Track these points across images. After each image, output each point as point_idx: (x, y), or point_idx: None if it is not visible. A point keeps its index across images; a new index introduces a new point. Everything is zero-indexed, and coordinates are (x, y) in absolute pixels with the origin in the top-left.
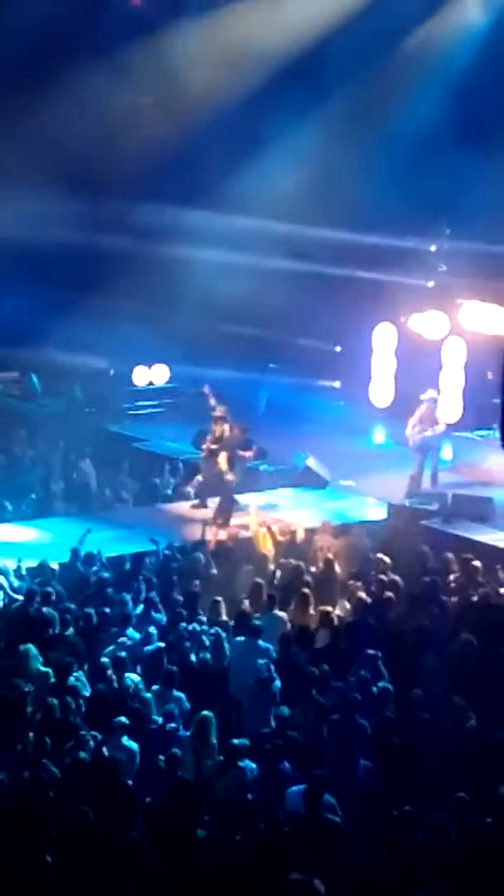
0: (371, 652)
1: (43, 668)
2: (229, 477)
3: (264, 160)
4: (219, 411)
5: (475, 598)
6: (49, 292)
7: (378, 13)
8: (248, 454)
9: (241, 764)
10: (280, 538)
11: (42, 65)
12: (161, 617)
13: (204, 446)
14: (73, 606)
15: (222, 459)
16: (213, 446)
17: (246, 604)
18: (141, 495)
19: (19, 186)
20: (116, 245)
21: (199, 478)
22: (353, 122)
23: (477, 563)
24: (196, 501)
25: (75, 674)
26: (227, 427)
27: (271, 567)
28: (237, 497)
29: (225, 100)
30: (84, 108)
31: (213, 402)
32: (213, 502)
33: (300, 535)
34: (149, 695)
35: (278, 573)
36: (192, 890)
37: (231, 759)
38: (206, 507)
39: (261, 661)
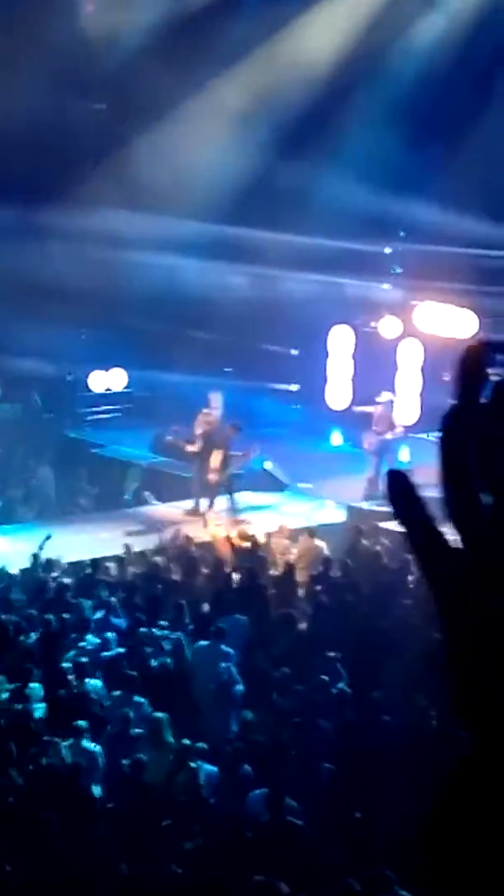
0: (331, 654)
1: None
2: (216, 477)
3: (214, 163)
4: (213, 414)
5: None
6: (2, 298)
7: None
8: (247, 453)
9: (193, 765)
10: (239, 542)
11: None
12: (121, 622)
13: (191, 448)
14: (33, 612)
15: (215, 459)
16: (194, 448)
17: (206, 607)
18: (100, 500)
19: None
20: (70, 249)
21: (194, 479)
22: (309, 127)
23: None
24: (192, 505)
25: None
26: (216, 427)
27: (230, 571)
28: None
29: None
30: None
31: (214, 404)
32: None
33: (259, 539)
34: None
35: (236, 577)
36: (157, 894)
37: (183, 759)
38: (199, 509)
39: (223, 665)
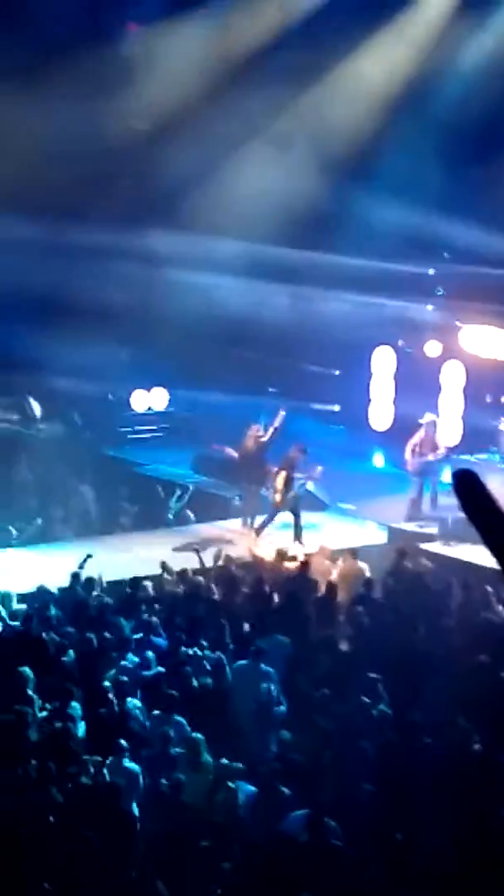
0: (372, 675)
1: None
2: (280, 497)
3: (260, 182)
4: (262, 432)
5: (478, 621)
6: (44, 316)
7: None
8: (311, 475)
9: (232, 785)
10: (283, 562)
11: None
12: (161, 641)
13: (232, 453)
14: (72, 631)
15: (280, 480)
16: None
17: (247, 627)
18: (140, 519)
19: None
20: (113, 269)
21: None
22: (355, 150)
23: (489, 587)
24: (245, 523)
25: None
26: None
27: (270, 591)
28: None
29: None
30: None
31: (276, 422)
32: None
33: (299, 559)
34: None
35: (276, 597)
36: None
37: (222, 779)
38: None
39: (263, 686)
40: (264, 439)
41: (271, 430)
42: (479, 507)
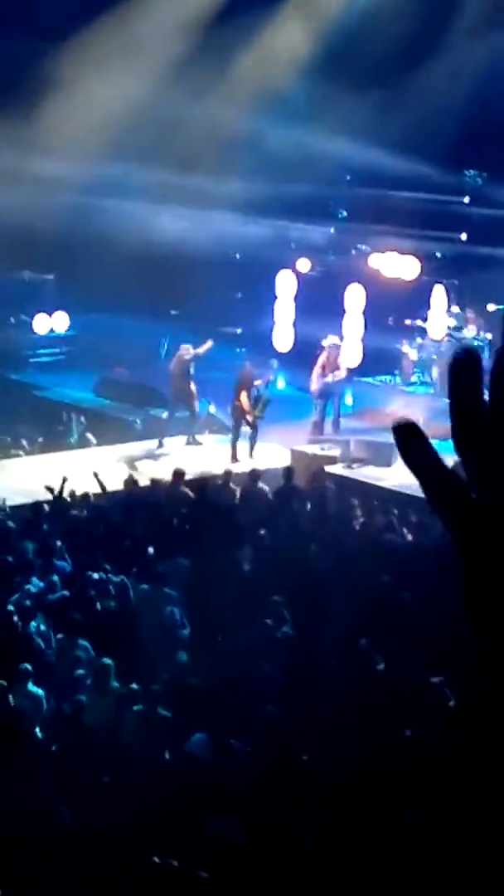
0: (275, 598)
1: None
2: (251, 416)
3: (164, 106)
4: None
5: (381, 542)
6: None
7: None
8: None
9: (136, 708)
10: (181, 484)
11: None
12: (65, 565)
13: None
14: None
15: (244, 400)
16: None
17: (151, 551)
18: (44, 443)
19: None
20: (13, 193)
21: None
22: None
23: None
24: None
25: None
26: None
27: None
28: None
29: None
30: None
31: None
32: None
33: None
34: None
35: (175, 520)
36: (101, 837)
37: (126, 702)
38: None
39: (167, 609)
40: (187, 358)
41: (194, 353)
42: (420, 461)
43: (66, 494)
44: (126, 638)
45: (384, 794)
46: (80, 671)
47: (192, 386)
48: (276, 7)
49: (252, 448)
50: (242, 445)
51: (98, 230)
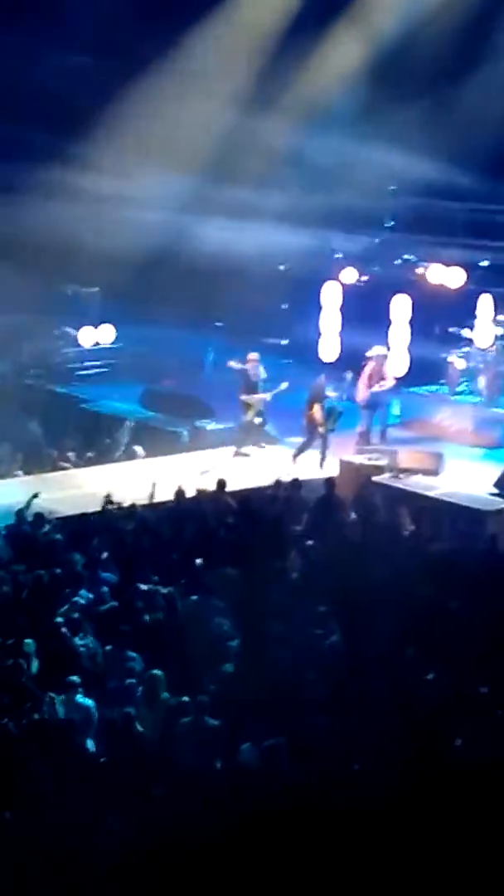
0: (322, 608)
1: None
2: (323, 427)
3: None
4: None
5: (427, 553)
6: None
7: None
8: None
9: (186, 720)
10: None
11: None
12: (112, 577)
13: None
14: (21, 568)
15: (317, 412)
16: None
17: (198, 562)
18: (89, 456)
19: None
20: (57, 206)
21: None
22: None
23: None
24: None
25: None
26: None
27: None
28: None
29: None
30: None
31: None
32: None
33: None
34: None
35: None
36: (152, 847)
37: (176, 714)
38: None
39: (215, 620)
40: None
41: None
42: None
43: (112, 506)
44: (174, 649)
45: (434, 804)
46: (131, 681)
47: (243, 398)
48: (331, 24)
49: (323, 459)
50: (309, 455)
51: (141, 242)
